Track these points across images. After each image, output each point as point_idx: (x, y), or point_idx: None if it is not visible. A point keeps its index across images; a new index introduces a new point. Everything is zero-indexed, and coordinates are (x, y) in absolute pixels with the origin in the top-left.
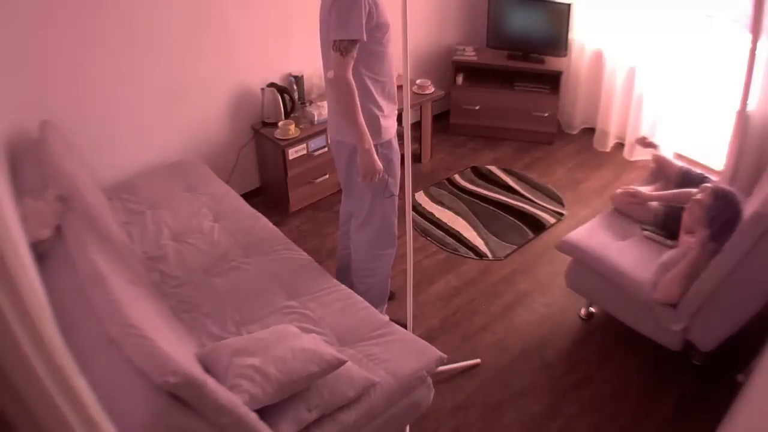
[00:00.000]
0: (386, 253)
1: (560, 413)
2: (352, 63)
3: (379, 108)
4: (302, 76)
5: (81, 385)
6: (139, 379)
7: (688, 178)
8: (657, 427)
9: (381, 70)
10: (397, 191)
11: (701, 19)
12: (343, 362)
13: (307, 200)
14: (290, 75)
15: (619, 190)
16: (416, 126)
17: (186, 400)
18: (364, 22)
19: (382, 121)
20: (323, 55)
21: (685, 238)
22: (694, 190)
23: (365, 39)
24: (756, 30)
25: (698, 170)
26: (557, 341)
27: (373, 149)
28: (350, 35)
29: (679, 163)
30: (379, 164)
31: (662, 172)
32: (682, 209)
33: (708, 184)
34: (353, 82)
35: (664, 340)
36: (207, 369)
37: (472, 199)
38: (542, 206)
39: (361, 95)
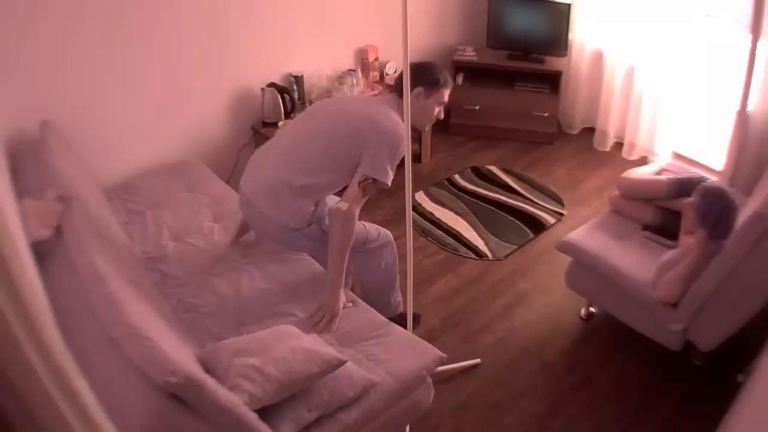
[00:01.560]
0: (385, 253)
1: (560, 413)
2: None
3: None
4: (302, 76)
5: (81, 385)
6: (139, 379)
7: (682, 188)
8: (657, 427)
9: (332, 191)
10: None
11: (701, 19)
12: (343, 362)
13: None
14: (290, 75)
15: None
16: None
17: (186, 401)
18: None
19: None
20: (302, 159)
21: (685, 239)
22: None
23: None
24: (756, 30)
25: (686, 176)
26: (557, 341)
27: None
28: (386, 179)
29: (663, 176)
30: (340, 306)
31: (638, 195)
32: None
33: (701, 185)
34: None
35: (665, 340)
36: (207, 369)
37: (472, 199)
38: (542, 206)
39: (304, 202)
